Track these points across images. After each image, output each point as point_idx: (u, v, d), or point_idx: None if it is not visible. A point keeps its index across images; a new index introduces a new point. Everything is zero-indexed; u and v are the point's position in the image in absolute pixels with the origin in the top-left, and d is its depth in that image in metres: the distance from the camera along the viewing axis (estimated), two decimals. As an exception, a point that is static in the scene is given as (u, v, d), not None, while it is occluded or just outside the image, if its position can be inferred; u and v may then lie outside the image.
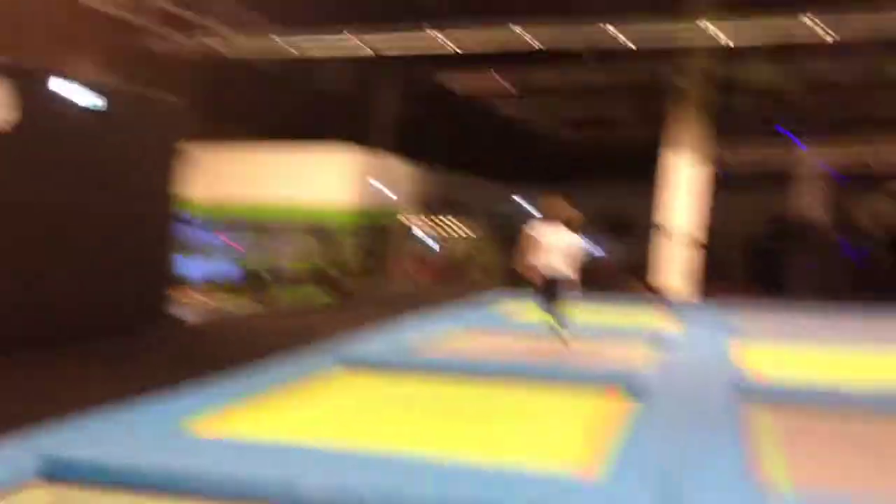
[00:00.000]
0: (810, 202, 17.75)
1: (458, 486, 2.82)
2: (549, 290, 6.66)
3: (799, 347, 7.07)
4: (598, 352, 6.67)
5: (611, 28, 12.88)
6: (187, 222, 11.17)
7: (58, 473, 3.02)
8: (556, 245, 6.62)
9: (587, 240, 7.45)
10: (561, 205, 6.86)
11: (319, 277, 13.82)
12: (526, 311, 9.95)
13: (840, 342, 7.24)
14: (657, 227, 16.32)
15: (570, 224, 6.73)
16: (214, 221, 17.62)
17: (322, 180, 17.54)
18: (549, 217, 6.80)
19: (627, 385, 4.89)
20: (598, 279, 9.59)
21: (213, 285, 15.92)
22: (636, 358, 6.24)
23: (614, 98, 21.52)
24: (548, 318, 6.78)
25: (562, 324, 6.69)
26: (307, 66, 20.60)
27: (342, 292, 12.41)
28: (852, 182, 19.71)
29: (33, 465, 3.02)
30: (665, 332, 7.64)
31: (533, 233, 6.76)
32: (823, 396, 4.67)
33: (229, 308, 12.97)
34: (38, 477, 2.99)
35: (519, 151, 33.25)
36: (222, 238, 19.56)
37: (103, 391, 4.22)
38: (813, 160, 17.57)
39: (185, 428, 3.66)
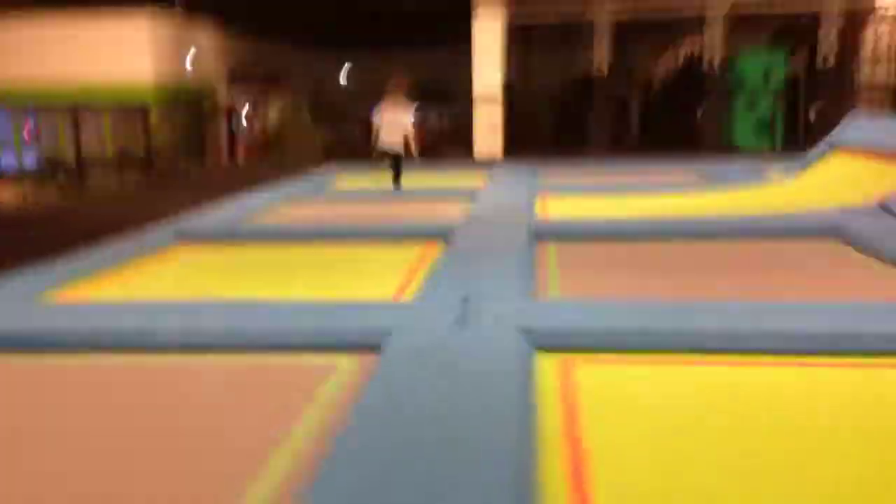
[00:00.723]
0: (602, 57, 19.08)
1: (288, 319, 3.42)
2: (391, 162, 8.74)
3: (589, 196, 8.09)
4: (420, 211, 7.39)
5: None
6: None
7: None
8: (392, 123, 8.50)
9: (416, 107, 9.46)
10: (398, 81, 8.71)
11: (129, 160, 13.50)
12: (349, 181, 10.50)
13: (622, 190, 8.34)
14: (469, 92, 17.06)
15: (403, 93, 8.63)
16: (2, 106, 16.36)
17: (121, 53, 16.47)
18: (391, 95, 8.64)
19: (439, 234, 5.63)
20: (422, 146, 10.85)
21: (10, 177, 15.06)
22: (452, 213, 7.00)
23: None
24: (389, 182, 8.85)
25: (398, 188, 8.78)
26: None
27: (156, 174, 12.28)
28: (628, 35, 21.21)
29: None
30: (478, 189, 8.48)
31: (377, 116, 8.65)
32: (599, 228, 5.64)
33: (35, 199, 12.46)
34: None
35: (336, 17, 32.49)
36: (15, 124, 18.25)
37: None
38: (603, 14, 18.72)
39: (42, 300, 3.98)
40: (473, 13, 16.52)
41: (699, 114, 18.84)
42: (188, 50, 18.20)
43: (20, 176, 15.56)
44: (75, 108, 10.06)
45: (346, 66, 31.87)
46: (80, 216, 7.98)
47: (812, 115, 18.03)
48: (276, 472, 2.16)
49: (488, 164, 13.04)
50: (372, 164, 9.22)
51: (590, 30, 19.63)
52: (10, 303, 3.86)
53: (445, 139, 24.16)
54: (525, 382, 2.69)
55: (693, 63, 21.15)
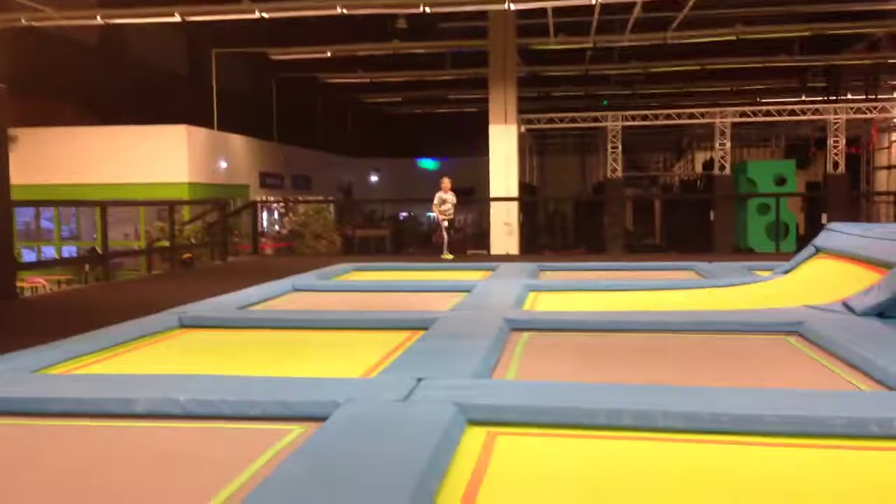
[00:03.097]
0: (617, 162, 19.77)
1: (252, 392, 3.77)
2: (447, 226, 13.70)
3: (581, 293, 8.37)
4: (417, 302, 7.77)
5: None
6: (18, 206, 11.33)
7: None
8: (448, 201, 13.62)
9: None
10: (448, 181, 13.65)
11: (157, 252, 14.21)
12: (359, 275, 10.97)
13: (614, 288, 8.53)
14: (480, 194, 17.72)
15: (448, 188, 13.66)
16: (47, 204, 17.45)
17: (157, 159, 17.79)
18: (443, 188, 13.62)
19: (424, 323, 5.99)
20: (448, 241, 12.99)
21: (49, 266, 15.92)
22: (445, 304, 7.35)
23: (438, 68, 22.75)
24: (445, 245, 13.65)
25: (446, 246, 13.61)
26: (139, 44, 20.48)
27: (181, 265, 12.90)
28: (642, 142, 21.86)
29: None
30: (477, 283, 8.85)
31: (438, 196, 13.62)
32: (569, 321, 5.97)
33: (68, 286, 13.11)
34: None
35: (360, 127, 34.08)
36: (55, 220, 19.34)
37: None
38: (615, 124, 19.50)
39: (41, 372, 4.40)
40: (489, 121, 17.33)
41: (712, 217, 19.26)
42: (220, 155, 19.36)
43: (58, 265, 16.41)
44: (105, 204, 10.78)
45: (375, 170, 33.13)
46: (99, 301, 8.51)
47: (825, 221, 18.30)
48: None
49: (501, 260, 13.44)
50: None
51: (605, 136, 20.42)
52: (7, 374, 4.28)
53: (467, 239, 24.79)
54: (444, 449, 2.99)
55: (705, 169, 21.68)
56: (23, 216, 18.80)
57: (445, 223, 13.77)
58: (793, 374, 4.50)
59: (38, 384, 4.09)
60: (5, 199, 8.27)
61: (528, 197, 19.52)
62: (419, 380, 3.97)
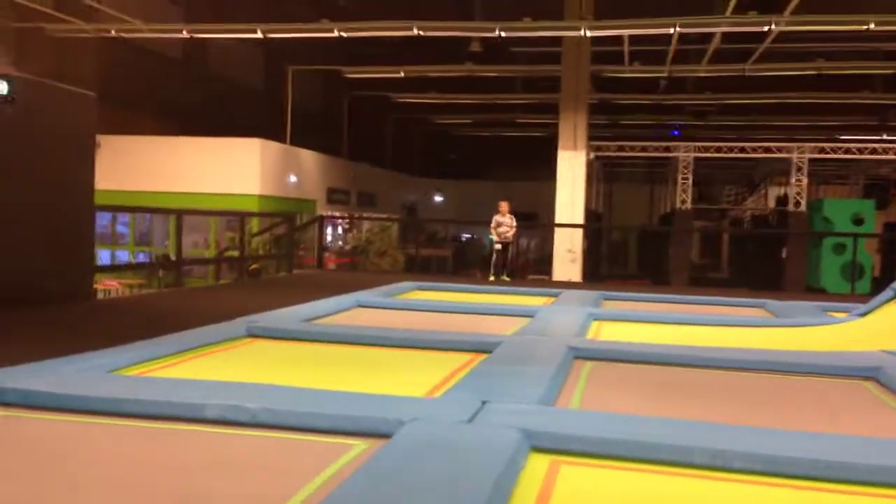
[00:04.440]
0: (685, 193, 19.43)
1: (318, 405, 3.81)
2: (502, 249, 13.90)
3: (645, 324, 8.24)
4: (479, 325, 7.75)
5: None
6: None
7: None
8: (504, 224, 13.91)
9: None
10: (505, 205, 13.91)
11: (227, 261, 14.54)
12: (422, 294, 11.03)
13: (680, 321, 8.40)
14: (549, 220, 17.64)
15: (507, 210, 14.00)
16: (125, 210, 18.06)
17: (231, 170, 18.26)
18: (500, 211, 13.99)
19: (487, 346, 5.97)
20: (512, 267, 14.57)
21: (124, 270, 16.47)
22: (508, 328, 7.31)
23: (509, 91, 22.83)
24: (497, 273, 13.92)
25: (504, 271, 13.87)
26: (219, 57, 21.13)
27: (249, 275, 13.17)
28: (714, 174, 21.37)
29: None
30: (539, 309, 8.80)
31: (495, 220, 13.97)
32: (634, 352, 5.87)
33: (139, 290, 13.52)
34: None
35: (427, 148, 34.39)
36: (130, 226, 19.99)
37: (30, 350, 5.04)
38: (686, 154, 19.17)
39: (115, 373, 4.54)
40: (557, 147, 17.27)
41: (784, 254, 18.72)
42: (291, 170, 19.76)
43: (133, 269, 16.96)
44: (181, 213, 11.11)
45: (439, 191, 33.34)
46: (171, 306, 8.74)
47: (903, 263, 17.62)
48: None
49: (564, 287, 13.31)
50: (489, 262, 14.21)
51: (675, 166, 20.09)
52: (84, 373, 4.43)
53: (530, 263, 24.70)
54: (508, 475, 2.97)
55: (779, 204, 21.13)
56: (99, 219, 19.52)
57: (499, 246, 13.96)
58: (869, 420, 4.33)
59: (113, 384, 4.22)
60: (90, 203, 8.60)
61: (594, 224, 19.33)
62: (484, 402, 3.96)
